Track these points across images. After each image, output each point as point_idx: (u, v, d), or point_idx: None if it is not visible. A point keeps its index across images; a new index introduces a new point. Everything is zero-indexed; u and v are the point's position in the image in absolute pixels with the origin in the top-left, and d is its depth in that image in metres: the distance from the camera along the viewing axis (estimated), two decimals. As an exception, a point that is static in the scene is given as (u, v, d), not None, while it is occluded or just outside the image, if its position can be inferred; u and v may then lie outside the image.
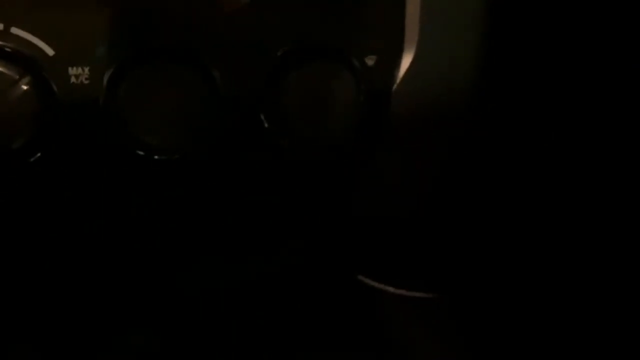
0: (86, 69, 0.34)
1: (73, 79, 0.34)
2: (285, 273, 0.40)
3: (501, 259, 0.44)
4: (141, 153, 0.35)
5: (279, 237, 0.40)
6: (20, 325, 0.39)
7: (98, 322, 0.39)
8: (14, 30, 0.34)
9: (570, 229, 0.44)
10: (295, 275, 0.40)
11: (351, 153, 0.38)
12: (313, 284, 0.41)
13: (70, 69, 0.34)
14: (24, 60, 0.34)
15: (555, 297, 0.44)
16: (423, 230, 0.42)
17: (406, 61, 0.37)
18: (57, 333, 0.39)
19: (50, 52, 0.34)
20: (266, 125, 0.36)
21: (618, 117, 0.42)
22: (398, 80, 0.37)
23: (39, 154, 0.35)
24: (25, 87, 0.34)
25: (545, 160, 0.44)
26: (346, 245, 0.41)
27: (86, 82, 0.34)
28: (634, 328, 0.40)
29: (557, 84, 0.42)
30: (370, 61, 0.36)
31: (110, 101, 0.34)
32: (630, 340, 0.41)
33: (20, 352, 0.38)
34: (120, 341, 0.39)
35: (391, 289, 0.42)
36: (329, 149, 0.37)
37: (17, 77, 0.33)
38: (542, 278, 0.44)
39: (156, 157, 0.35)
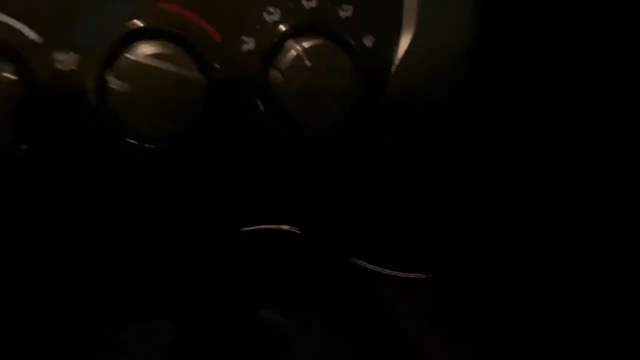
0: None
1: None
2: (281, 256, 0.39)
3: (495, 240, 0.44)
4: (132, 141, 0.34)
5: (275, 219, 0.38)
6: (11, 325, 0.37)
7: (85, 319, 0.38)
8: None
9: (563, 212, 0.43)
10: (291, 258, 0.39)
11: (347, 134, 0.36)
12: (307, 266, 0.40)
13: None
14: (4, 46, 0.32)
15: (549, 278, 0.43)
16: (416, 210, 0.41)
17: (404, 42, 0.36)
18: (44, 330, 0.38)
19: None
20: (262, 108, 0.35)
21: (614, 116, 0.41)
22: (396, 62, 0.36)
23: (25, 147, 0.34)
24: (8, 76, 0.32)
25: (538, 144, 0.43)
26: (341, 227, 0.40)
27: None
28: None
29: (553, 73, 0.41)
30: (368, 42, 0.35)
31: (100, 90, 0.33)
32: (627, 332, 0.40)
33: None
34: (109, 337, 0.38)
35: (386, 271, 0.41)
36: (325, 130, 0.35)
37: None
38: (535, 258, 0.43)
39: (147, 145, 0.34)
